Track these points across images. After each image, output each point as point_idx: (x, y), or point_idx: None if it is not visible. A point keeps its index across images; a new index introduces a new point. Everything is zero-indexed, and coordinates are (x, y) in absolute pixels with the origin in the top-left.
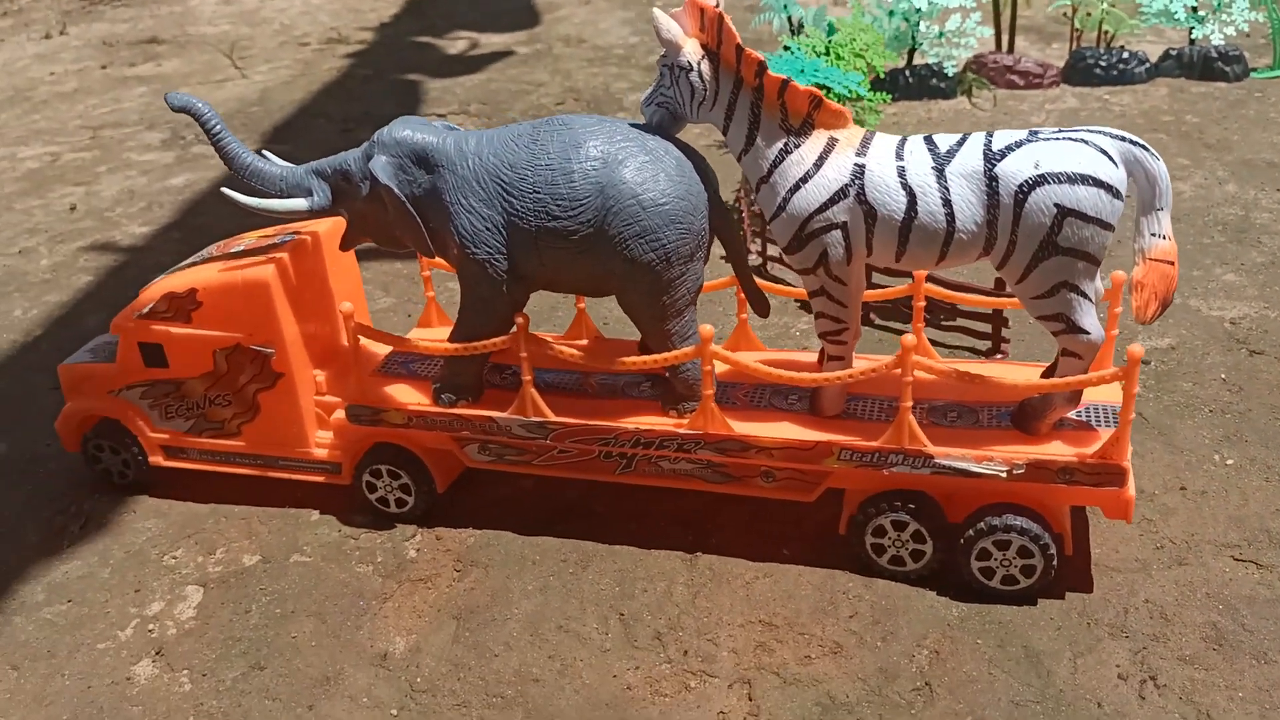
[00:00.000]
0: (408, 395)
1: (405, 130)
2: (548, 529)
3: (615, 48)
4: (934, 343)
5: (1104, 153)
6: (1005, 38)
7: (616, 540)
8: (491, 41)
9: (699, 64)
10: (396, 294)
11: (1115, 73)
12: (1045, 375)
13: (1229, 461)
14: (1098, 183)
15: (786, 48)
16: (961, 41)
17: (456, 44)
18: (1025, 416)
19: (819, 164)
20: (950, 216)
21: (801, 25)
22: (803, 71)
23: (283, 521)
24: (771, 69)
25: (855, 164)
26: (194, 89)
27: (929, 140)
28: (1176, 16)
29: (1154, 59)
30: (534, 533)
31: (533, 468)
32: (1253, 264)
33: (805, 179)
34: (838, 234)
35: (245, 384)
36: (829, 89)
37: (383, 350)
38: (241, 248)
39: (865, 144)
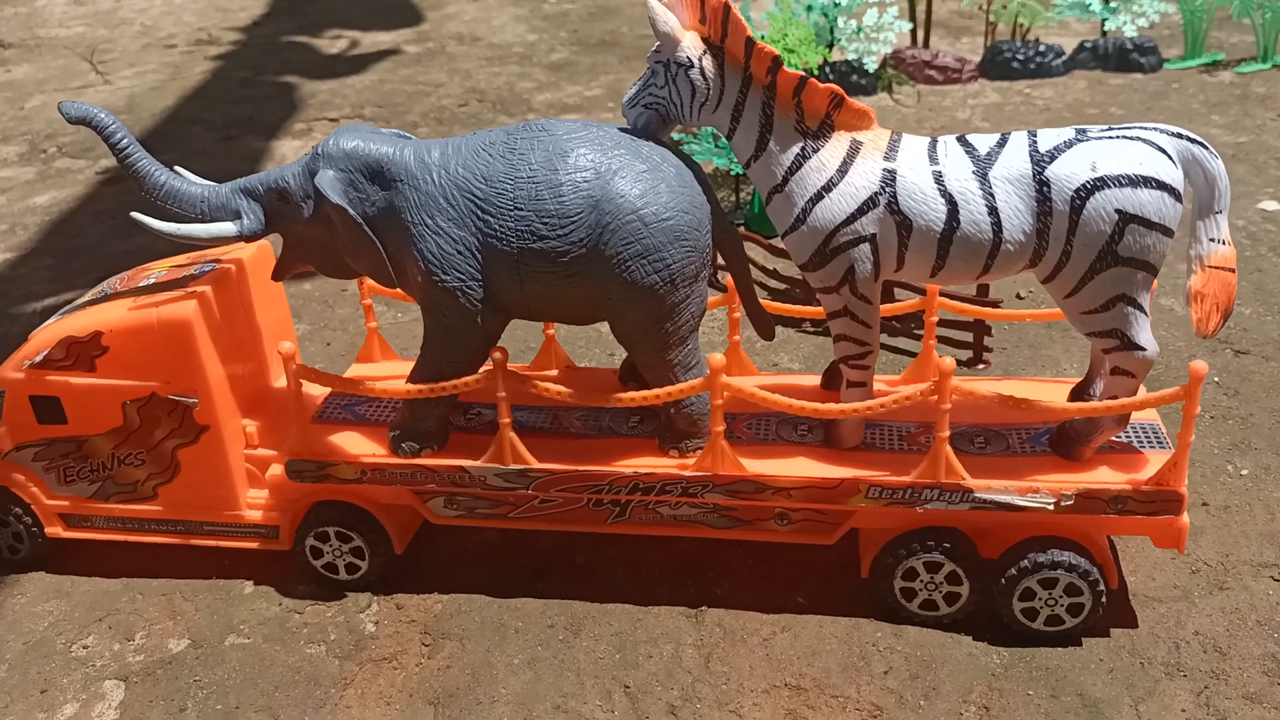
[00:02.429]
0: (358, 445)
1: (354, 140)
2: (526, 588)
3: (513, 45)
4: (909, 354)
5: (1163, 151)
6: (921, 33)
7: (608, 597)
8: (376, 40)
9: (700, 60)
10: (310, 320)
11: (1033, 66)
12: (1076, 392)
13: (1244, 472)
14: (1160, 185)
15: None
16: (880, 36)
17: (336, 43)
18: (1068, 441)
19: (843, 170)
20: (997, 226)
21: None
22: None
23: (211, 596)
24: (837, 86)
25: (885, 169)
26: (50, 96)
27: (964, 141)
28: (1090, 8)
29: (1069, 51)
30: (511, 593)
31: (508, 521)
32: (1266, 261)
33: (828, 187)
34: (866, 248)
35: (162, 440)
36: None
37: (319, 393)
38: (152, 280)
39: (894, 147)
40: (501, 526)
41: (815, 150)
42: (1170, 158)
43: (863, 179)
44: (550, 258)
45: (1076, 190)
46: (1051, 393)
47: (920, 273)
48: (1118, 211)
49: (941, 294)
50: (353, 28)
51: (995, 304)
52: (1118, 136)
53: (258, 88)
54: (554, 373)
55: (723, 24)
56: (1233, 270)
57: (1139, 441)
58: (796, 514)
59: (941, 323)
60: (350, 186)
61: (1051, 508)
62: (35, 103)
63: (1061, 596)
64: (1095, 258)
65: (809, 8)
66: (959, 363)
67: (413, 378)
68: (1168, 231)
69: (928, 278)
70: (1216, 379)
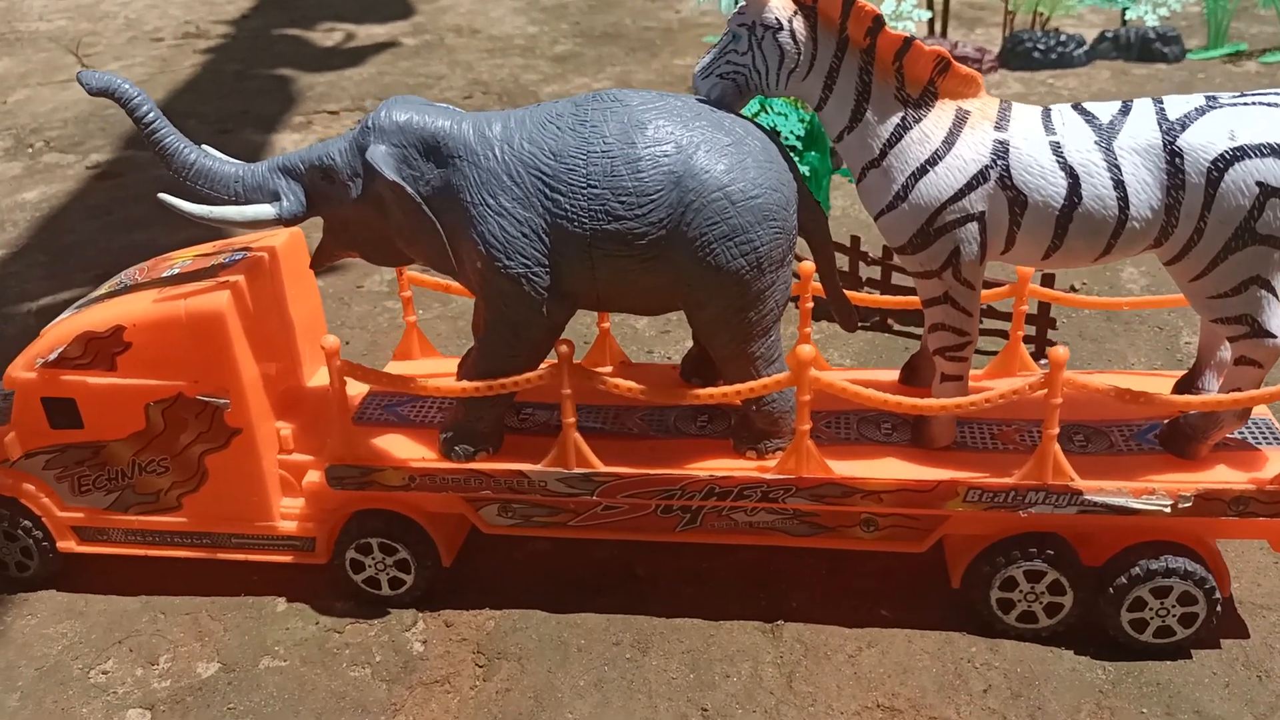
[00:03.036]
0: (404, 448)
1: (408, 112)
2: (586, 603)
3: (514, 37)
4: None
5: None
6: (939, 23)
7: (675, 612)
8: (371, 33)
9: (790, 21)
10: (326, 318)
11: (1054, 56)
12: (1183, 384)
13: None
14: None
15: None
16: (899, 26)
17: (331, 36)
18: (1183, 437)
19: (949, 142)
20: (1123, 201)
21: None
22: None
23: (241, 615)
24: (942, 49)
25: (996, 140)
26: (34, 90)
27: (1081, 109)
28: None
29: (1089, 41)
30: (569, 609)
31: (567, 530)
32: None
33: (933, 161)
34: (974, 227)
35: (188, 444)
36: None
37: (356, 393)
38: (176, 270)
39: (1004, 116)
40: (560, 536)
41: (917, 120)
42: None
43: (971, 151)
44: (627, 240)
45: (1214, 161)
46: (1154, 386)
47: (1032, 254)
48: (1259, 184)
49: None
50: (346, 20)
51: (1074, 291)
52: (1254, 103)
53: (251, 81)
54: (609, 369)
55: None
56: None
57: (1254, 438)
58: (885, 520)
59: (997, 314)
60: (404, 163)
61: (1169, 510)
62: (19, 97)
63: (1174, 606)
64: (1231, 236)
65: None
66: (991, 353)
67: (468, 373)
68: None
69: (1039, 260)
70: None
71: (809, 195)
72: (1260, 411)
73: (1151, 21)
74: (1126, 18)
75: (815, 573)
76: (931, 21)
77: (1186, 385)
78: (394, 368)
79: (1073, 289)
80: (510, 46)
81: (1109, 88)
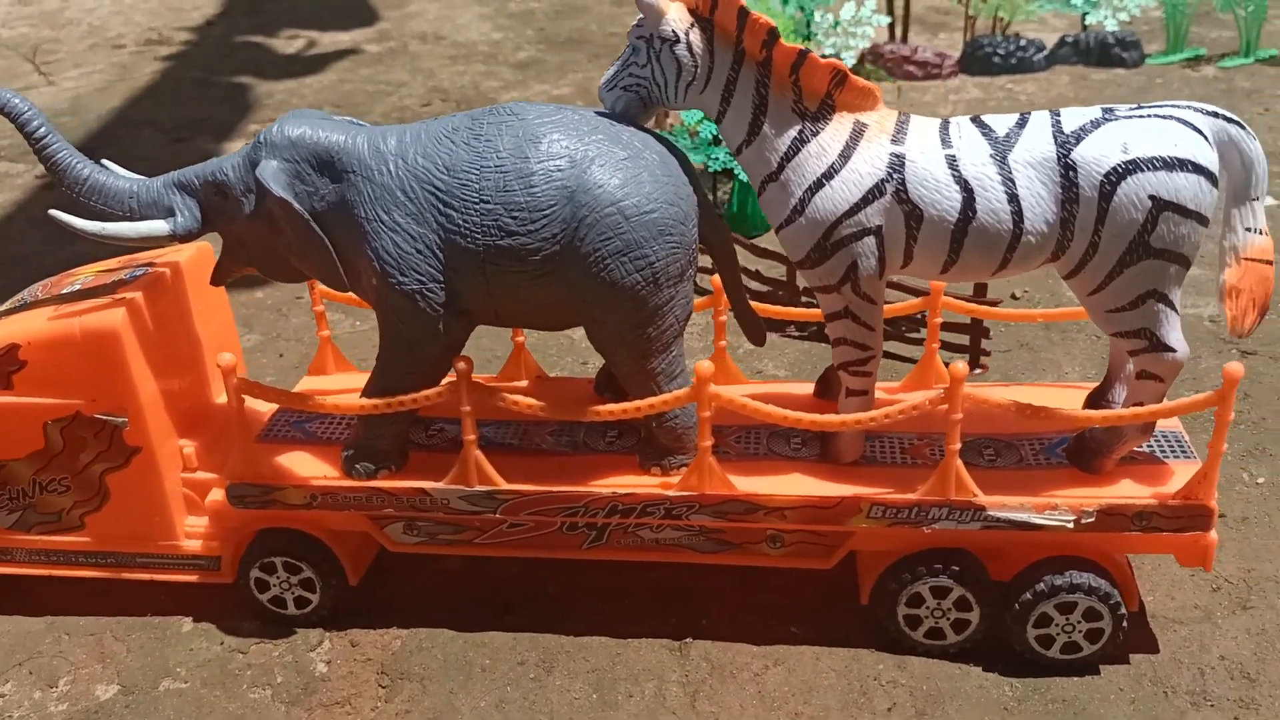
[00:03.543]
0: (308, 466)
1: (301, 127)
2: (494, 621)
3: (478, 44)
4: (901, 358)
5: (1198, 131)
6: (899, 28)
7: (583, 630)
8: (336, 40)
9: (687, 34)
10: (262, 330)
11: (1014, 61)
12: (1093, 398)
13: (1260, 480)
14: (1197, 168)
15: None
16: (858, 31)
17: (294, 43)
18: (1088, 452)
19: (846, 155)
20: (1018, 215)
21: None
22: None
23: (146, 636)
24: (839, 62)
25: (892, 154)
26: None
27: (979, 122)
28: (1071, 2)
29: (1050, 46)
30: (476, 627)
31: (474, 547)
32: (1212, 256)
33: (829, 174)
34: (871, 241)
35: (89, 463)
36: None
37: (266, 410)
38: (77, 286)
39: (902, 129)
40: (467, 554)
41: (815, 133)
42: (1206, 138)
43: (867, 165)
44: (520, 255)
45: (1106, 174)
46: (1065, 399)
47: (930, 268)
48: (1151, 198)
49: (950, 295)
50: (311, 27)
51: (995, 304)
52: (1150, 115)
53: (211, 88)
54: (524, 384)
55: None
56: (1270, 262)
57: (1162, 451)
58: (791, 536)
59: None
60: (296, 178)
61: (1071, 525)
62: None
63: (1080, 622)
64: (1125, 249)
65: (785, 1)
66: None
67: (367, 391)
68: (1203, 220)
69: (938, 274)
70: None
71: (710, 209)
72: (1173, 426)
73: (1111, 26)
74: (1086, 23)
75: (728, 590)
76: (892, 27)
77: (1097, 399)
78: (308, 383)
79: (1013, 297)
80: (473, 53)
81: (1067, 92)
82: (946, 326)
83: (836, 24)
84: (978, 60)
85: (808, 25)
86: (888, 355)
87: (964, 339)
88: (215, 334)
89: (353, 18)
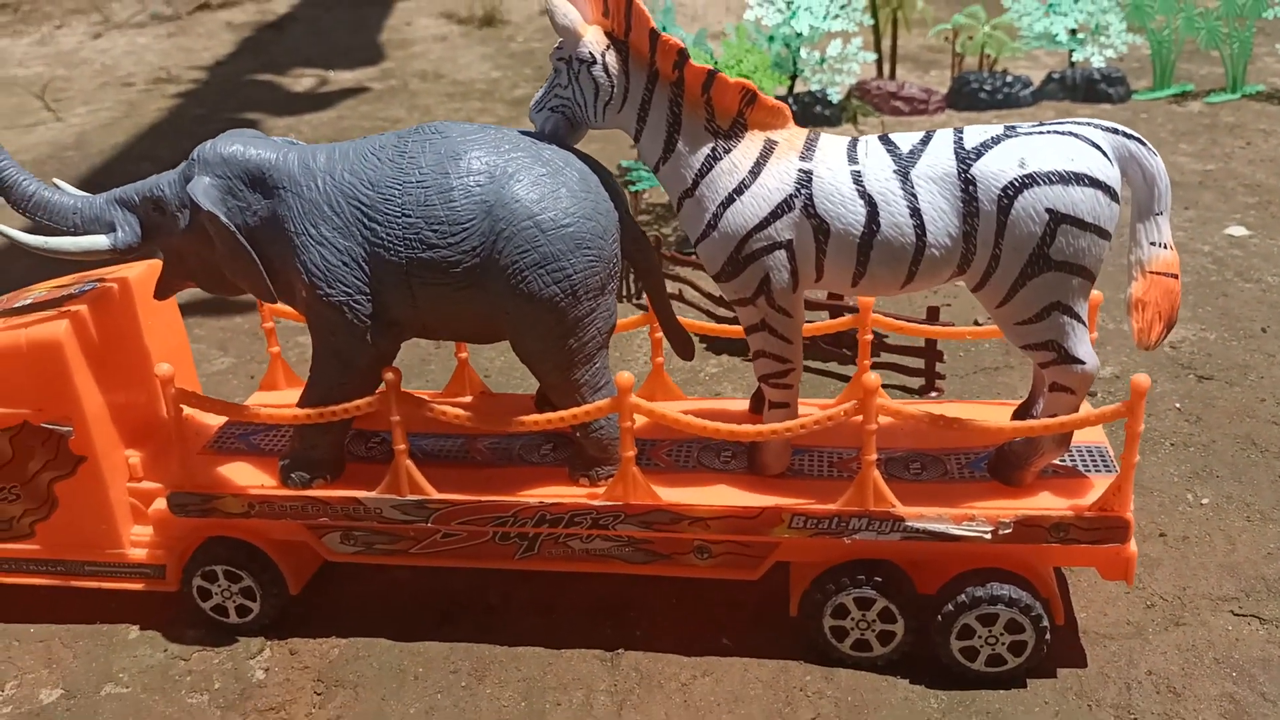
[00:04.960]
0: (248, 476)
1: (234, 145)
2: (432, 631)
3: (476, 82)
4: (833, 376)
5: (1096, 147)
6: (887, 65)
7: (518, 640)
8: (340, 78)
9: (604, 55)
10: (236, 352)
11: (1000, 97)
12: (1019, 414)
13: (1204, 501)
14: (1094, 182)
15: None
16: (844, 67)
17: (302, 81)
18: (1006, 464)
19: (755, 171)
20: (920, 229)
21: None
22: None
23: (92, 642)
24: (748, 81)
25: (800, 170)
26: None
27: (886, 140)
28: (1057, 39)
29: (1036, 82)
30: (414, 637)
31: (410, 557)
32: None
33: (740, 190)
34: (782, 255)
35: (37, 472)
36: None
37: (217, 422)
38: (29, 301)
39: (810, 146)
40: (403, 563)
41: (727, 151)
42: (1105, 154)
43: (776, 180)
44: (442, 268)
45: (1004, 188)
46: (994, 414)
47: (841, 282)
48: (1048, 211)
49: (881, 313)
50: (316, 66)
51: (933, 322)
52: (1049, 132)
53: (213, 124)
54: (467, 399)
55: (625, 16)
56: (1175, 276)
57: (1085, 465)
58: (717, 547)
59: (892, 348)
60: (229, 194)
61: (989, 537)
62: None
63: (1002, 634)
64: (1026, 262)
65: (770, 38)
66: (911, 390)
67: (302, 402)
68: (1103, 233)
69: (850, 287)
70: (1178, 405)
71: (634, 225)
72: (1098, 440)
73: (1098, 63)
74: (1074, 59)
75: (664, 601)
76: (880, 63)
77: (1023, 413)
78: (259, 398)
79: (975, 323)
80: (471, 91)
81: None
82: (901, 350)
83: (823, 60)
84: (964, 96)
85: (793, 62)
86: (831, 376)
87: (919, 362)
88: (167, 348)
89: (358, 56)
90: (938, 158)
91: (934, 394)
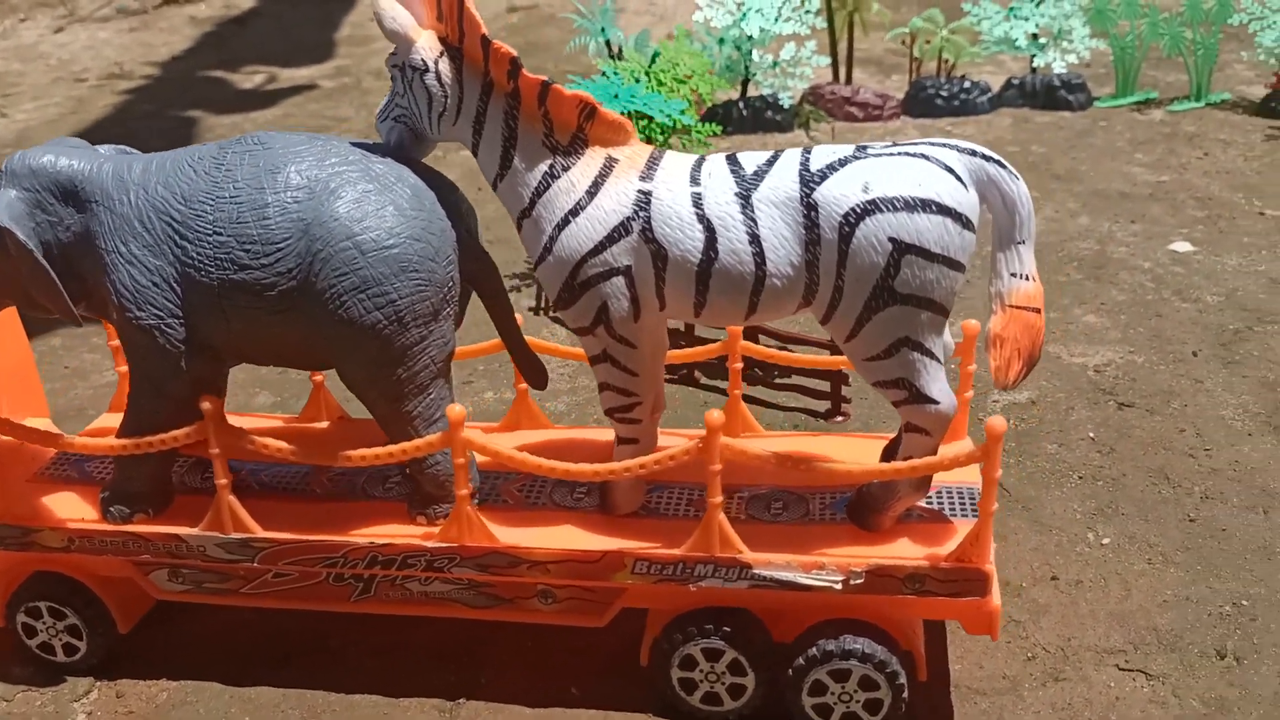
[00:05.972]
0: (72, 508)
1: (45, 156)
2: (268, 675)
3: None
4: (765, 404)
5: (949, 170)
6: (843, 69)
7: (355, 687)
8: (294, 75)
9: (436, 63)
10: (277, 390)
11: (957, 103)
12: (887, 453)
13: (1105, 541)
14: (943, 209)
15: (603, 73)
16: (797, 71)
17: (253, 78)
18: (863, 508)
19: (593, 192)
20: (760, 256)
21: (621, 50)
22: (617, 97)
23: None
24: (586, 94)
25: (639, 191)
26: None
27: (733, 160)
28: (1018, 44)
29: (996, 88)
30: (248, 681)
31: (242, 597)
32: (1113, 303)
33: (575, 211)
34: (620, 282)
35: None
36: (649, 118)
37: (50, 450)
38: None
39: (652, 165)
40: (234, 603)
41: (565, 169)
42: (959, 178)
43: (614, 202)
44: (256, 291)
45: (845, 215)
46: (864, 450)
47: (683, 310)
48: (891, 240)
49: (792, 341)
50: (272, 63)
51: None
52: (900, 154)
53: (160, 121)
54: (324, 425)
55: (459, 21)
56: (1038, 310)
57: (953, 510)
58: (562, 591)
59: (800, 372)
60: (37, 208)
61: (839, 587)
62: None
63: (856, 691)
64: (870, 295)
65: (720, 41)
66: (817, 415)
67: (121, 431)
68: (954, 264)
69: (694, 317)
70: (1092, 434)
71: (476, 245)
72: (971, 482)
73: (1059, 68)
74: (1035, 65)
75: (516, 647)
76: (835, 66)
77: (892, 449)
78: (106, 420)
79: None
80: None
81: (1007, 135)
82: (808, 373)
83: (775, 64)
84: (920, 102)
85: (745, 66)
86: (749, 400)
87: (825, 385)
88: (7, 368)
89: (314, 53)
90: (781, 180)
91: (840, 419)
